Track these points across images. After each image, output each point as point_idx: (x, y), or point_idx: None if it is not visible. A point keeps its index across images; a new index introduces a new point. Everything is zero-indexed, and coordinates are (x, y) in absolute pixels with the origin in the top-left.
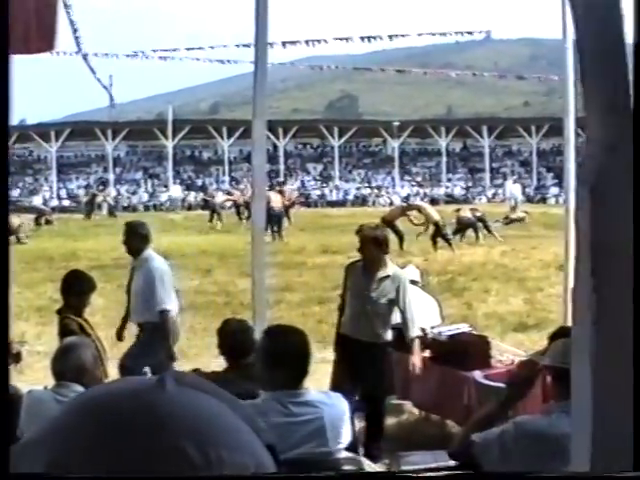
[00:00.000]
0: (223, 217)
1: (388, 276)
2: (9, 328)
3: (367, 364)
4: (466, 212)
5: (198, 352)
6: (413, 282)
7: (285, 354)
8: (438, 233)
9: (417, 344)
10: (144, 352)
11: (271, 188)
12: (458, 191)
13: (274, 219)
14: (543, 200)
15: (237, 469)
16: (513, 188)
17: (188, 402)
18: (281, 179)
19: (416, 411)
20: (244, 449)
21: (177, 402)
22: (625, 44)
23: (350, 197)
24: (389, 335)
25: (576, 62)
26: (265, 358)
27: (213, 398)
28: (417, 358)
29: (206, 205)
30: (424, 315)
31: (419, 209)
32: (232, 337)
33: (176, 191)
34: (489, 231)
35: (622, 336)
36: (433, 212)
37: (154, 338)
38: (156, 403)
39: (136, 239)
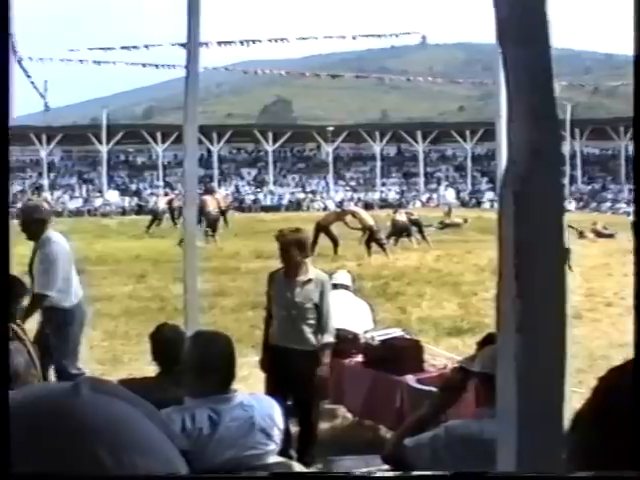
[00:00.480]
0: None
1: (310, 280)
2: (9, 328)
3: (299, 372)
4: (402, 215)
5: (132, 357)
6: (345, 287)
7: (210, 359)
8: (372, 238)
9: (328, 353)
10: (54, 342)
11: (205, 193)
12: (392, 195)
13: (210, 223)
14: (478, 204)
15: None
16: (447, 193)
17: (103, 408)
18: (215, 184)
19: (350, 415)
20: (157, 455)
21: (92, 408)
22: (550, 49)
23: (284, 202)
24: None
25: None
26: (191, 364)
27: (128, 405)
28: (324, 369)
29: (141, 209)
30: (356, 320)
31: (353, 214)
32: (164, 343)
33: (113, 196)
34: (422, 236)
35: (547, 342)
36: (367, 217)
37: (61, 324)
38: (70, 408)
39: (33, 223)
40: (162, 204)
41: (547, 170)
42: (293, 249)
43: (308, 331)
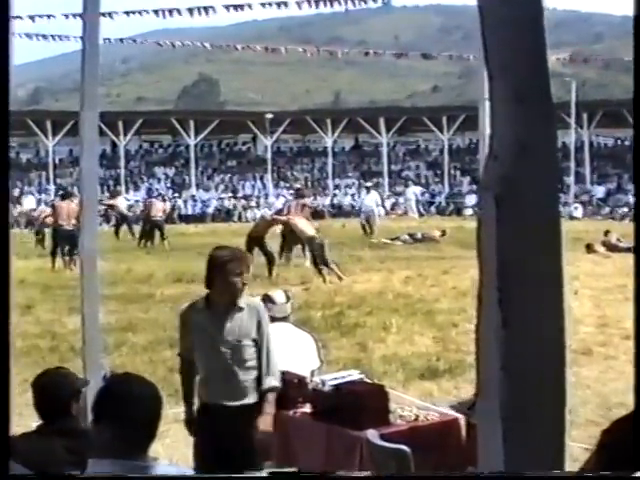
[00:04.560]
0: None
1: (242, 308)
2: (9, 329)
3: (238, 435)
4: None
5: (16, 411)
6: (282, 317)
7: (128, 410)
8: (313, 254)
9: (272, 401)
10: None
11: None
12: (349, 201)
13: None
14: (458, 212)
15: None
16: (412, 194)
17: None
18: (121, 187)
19: None
20: None
21: None
22: (542, 12)
23: (210, 210)
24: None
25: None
26: (101, 415)
27: None
28: (267, 420)
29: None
30: (299, 358)
31: (286, 223)
32: (44, 391)
33: (29, 203)
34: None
35: (538, 382)
36: (306, 226)
37: None
38: None
39: None
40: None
41: (537, 168)
42: (222, 271)
43: (248, 378)
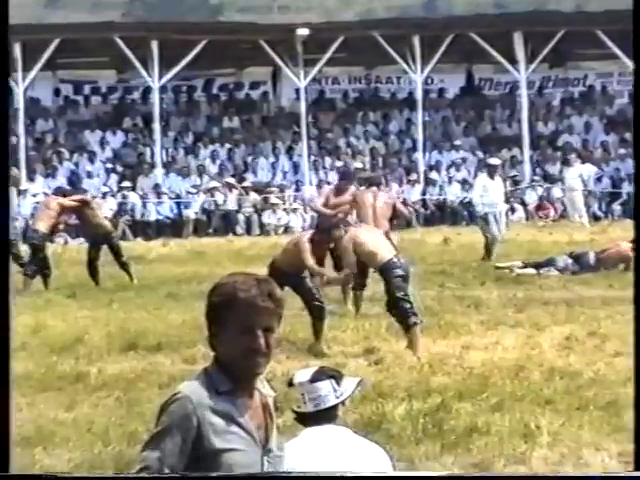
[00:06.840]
0: None
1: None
2: (9, 330)
3: None
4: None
5: None
6: (322, 413)
7: None
8: (390, 292)
9: None
10: None
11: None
12: (456, 191)
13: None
14: None
15: None
16: (578, 180)
17: None
18: (20, 170)
19: None
20: None
21: None
22: None
23: (191, 213)
24: None
25: None
26: None
27: None
28: None
29: None
30: None
31: (356, 241)
32: None
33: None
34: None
35: None
36: (377, 243)
37: None
38: None
39: None
40: None
41: None
42: (255, 316)
43: None
